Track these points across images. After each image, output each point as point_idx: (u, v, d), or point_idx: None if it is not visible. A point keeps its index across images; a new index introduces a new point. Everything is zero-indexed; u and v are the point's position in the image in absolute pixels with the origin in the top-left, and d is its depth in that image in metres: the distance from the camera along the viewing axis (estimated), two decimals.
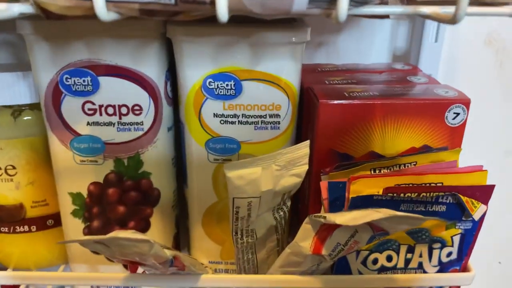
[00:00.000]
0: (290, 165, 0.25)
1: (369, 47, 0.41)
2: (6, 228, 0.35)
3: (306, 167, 0.26)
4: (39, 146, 0.33)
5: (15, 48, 0.41)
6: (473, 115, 0.42)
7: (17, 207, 0.34)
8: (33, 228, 0.35)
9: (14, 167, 0.33)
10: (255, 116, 0.28)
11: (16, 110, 0.32)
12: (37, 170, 0.34)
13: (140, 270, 0.28)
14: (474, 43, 0.41)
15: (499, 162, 0.45)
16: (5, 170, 0.33)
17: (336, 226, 0.22)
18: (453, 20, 0.17)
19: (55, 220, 0.35)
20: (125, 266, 0.32)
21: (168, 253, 0.22)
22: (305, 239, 0.24)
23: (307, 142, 0.25)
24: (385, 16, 0.25)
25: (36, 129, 0.33)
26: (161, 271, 0.25)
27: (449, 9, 0.18)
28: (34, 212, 0.34)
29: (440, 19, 0.18)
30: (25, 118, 0.32)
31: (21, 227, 0.35)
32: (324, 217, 0.22)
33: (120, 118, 0.28)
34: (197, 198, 0.31)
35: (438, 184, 0.25)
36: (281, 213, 0.28)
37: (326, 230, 0.23)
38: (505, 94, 0.43)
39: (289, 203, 0.29)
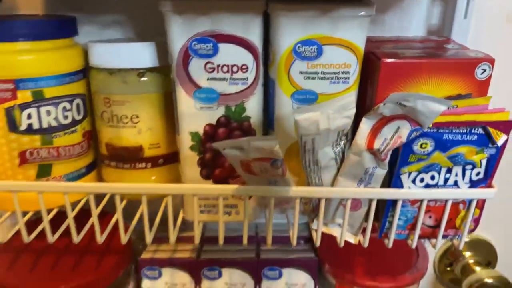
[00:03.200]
0: (341, 109, 0.33)
1: (408, 24, 0.50)
2: (128, 165, 0.45)
3: (354, 110, 0.33)
4: (156, 100, 0.43)
5: (121, 26, 0.51)
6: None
7: (138, 149, 0.44)
8: (148, 165, 0.45)
9: (137, 116, 0.43)
10: (330, 73, 0.38)
11: (140, 72, 0.42)
12: (154, 119, 0.43)
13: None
14: (497, 19, 0.49)
15: None
16: (131, 118, 0.43)
17: (385, 123, 0.31)
18: None
19: (165, 159, 0.45)
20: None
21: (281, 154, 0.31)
22: (361, 138, 0.33)
23: (352, 93, 0.33)
24: None
25: (154, 87, 0.43)
26: (271, 174, 0.34)
27: None
28: (150, 152, 0.44)
29: None
30: (147, 78, 0.42)
31: (140, 164, 0.45)
32: (374, 109, 0.31)
33: (231, 75, 0.37)
34: (281, 138, 0.40)
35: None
36: (339, 148, 0.37)
37: (377, 129, 0.32)
38: None
39: (344, 141, 0.37)
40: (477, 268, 0.58)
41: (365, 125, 0.33)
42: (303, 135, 0.33)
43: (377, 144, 0.33)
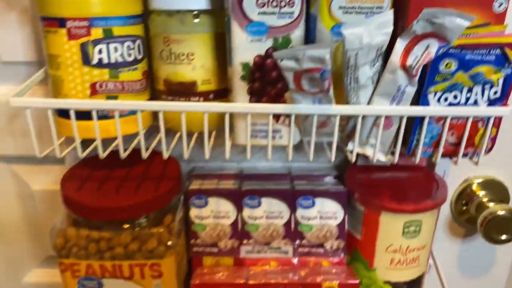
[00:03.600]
0: (381, 26, 0.39)
1: None
2: (183, 99, 0.51)
3: (392, 28, 0.39)
4: (208, 40, 0.49)
5: None
6: None
7: (192, 84, 0.50)
8: (201, 99, 0.51)
9: (193, 54, 0.49)
10: (366, 8, 0.43)
11: (195, 14, 0.48)
12: (206, 57, 0.49)
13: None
14: None
15: None
16: (187, 55, 0.49)
17: (416, 42, 0.37)
18: None
19: (215, 94, 0.51)
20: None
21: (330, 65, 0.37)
22: (396, 55, 0.39)
23: (390, 12, 0.39)
24: None
25: (207, 28, 0.48)
26: (317, 90, 0.39)
27: None
28: (202, 87, 0.50)
29: None
30: (201, 20, 0.48)
31: (193, 98, 0.51)
32: (407, 28, 0.37)
33: (280, 9, 0.43)
34: None
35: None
36: (374, 69, 0.42)
37: (410, 47, 0.38)
38: None
39: (379, 63, 0.43)
40: (491, 204, 0.63)
41: (400, 44, 0.39)
42: (348, 50, 0.38)
43: (409, 61, 0.39)
